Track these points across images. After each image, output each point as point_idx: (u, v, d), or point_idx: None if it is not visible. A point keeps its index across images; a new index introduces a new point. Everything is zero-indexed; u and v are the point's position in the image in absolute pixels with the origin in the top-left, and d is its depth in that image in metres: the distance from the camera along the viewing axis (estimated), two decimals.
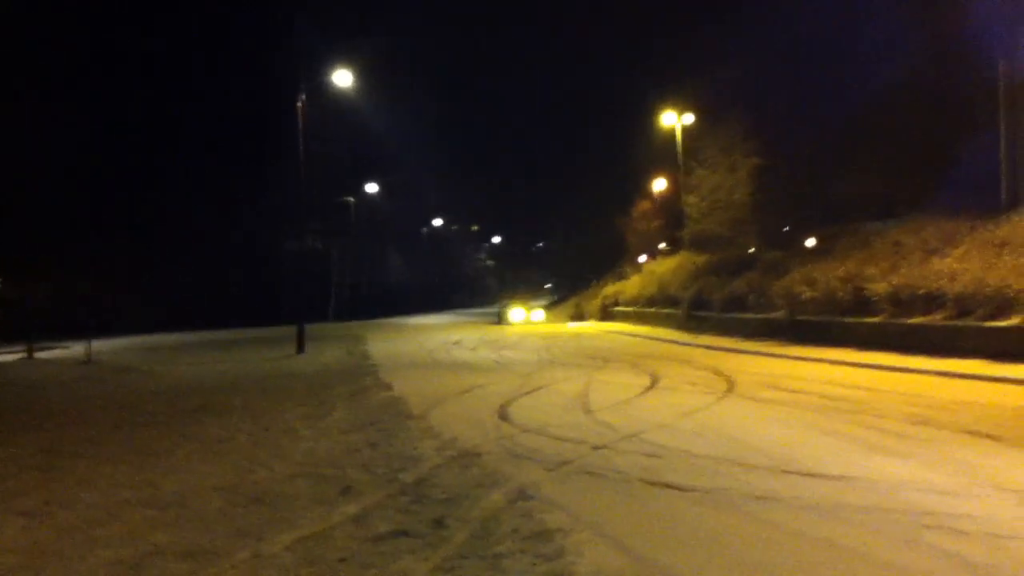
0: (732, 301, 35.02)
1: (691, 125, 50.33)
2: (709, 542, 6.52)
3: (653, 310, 45.46)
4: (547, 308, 73.96)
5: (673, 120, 50.44)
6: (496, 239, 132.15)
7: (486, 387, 17.89)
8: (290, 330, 32.20)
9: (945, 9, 34.92)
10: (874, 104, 41.67)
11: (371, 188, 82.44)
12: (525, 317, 53.77)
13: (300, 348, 30.65)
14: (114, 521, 7.79)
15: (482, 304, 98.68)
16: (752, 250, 45.74)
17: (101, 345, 35.70)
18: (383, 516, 7.48)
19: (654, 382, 18.01)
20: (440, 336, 41.75)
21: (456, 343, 35.26)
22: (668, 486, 8.35)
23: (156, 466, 10.31)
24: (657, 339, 33.64)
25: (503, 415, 13.60)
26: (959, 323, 21.46)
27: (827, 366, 20.97)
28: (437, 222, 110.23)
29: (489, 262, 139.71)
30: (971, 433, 10.86)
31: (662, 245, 62.99)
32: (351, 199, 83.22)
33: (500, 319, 54.28)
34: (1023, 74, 32.63)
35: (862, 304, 25.53)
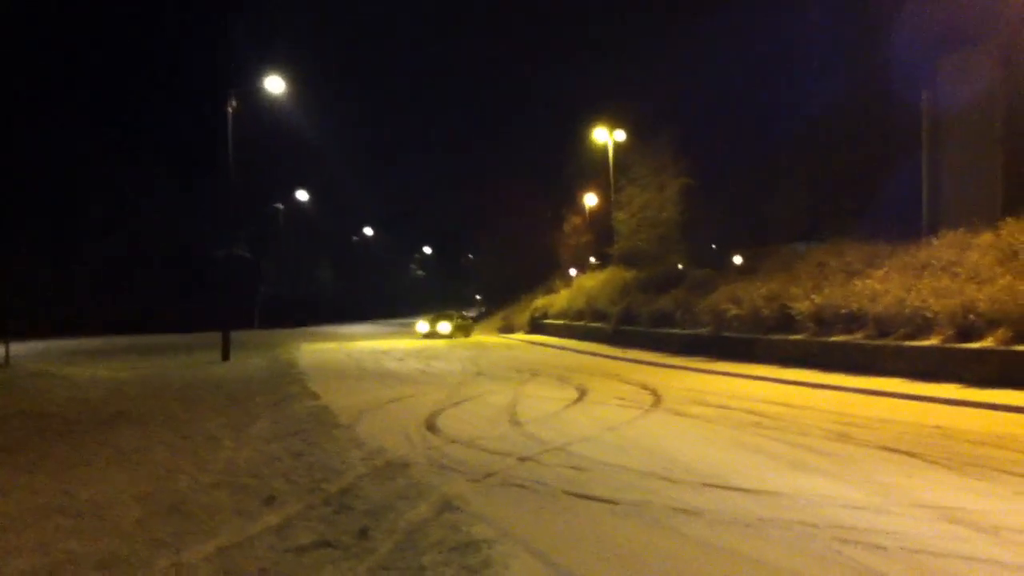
0: (660, 317, 35.33)
1: (623, 143, 50.69)
2: (632, 557, 6.53)
3: (582, 324, 45.68)
4: (476, 320, 73.93)
5: (605, 137, 50.77)
6: (427, 250, 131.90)
7: (414, 398, 17.79)
8: (216, 337, 31.70)
9: (872, 40, 35.75)
10: (802, 129, 42.55)
11: (301, 196, 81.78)
12: (450, 330, 51.42)
13: (225, 355, 30.19)
14: (28, 530, 7.57)
15: (412, 315, 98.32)
16: (680, 267, 46.22)
17: (19, 348, 34.82)
18: (306, 527, 7.38)
19: (581, 395, 18.07)
20: (369, 346, 41.52)
21: (385, 353, 35.08)
22: (593, 499, 8.36)
23: (73, 475, 10.05)
24: (585, 353, 33.79)
25: (430, 426, 13.53)
26: (880, 342, 21.90)
27: (751, 382, 21.24)
28: (367, 231, 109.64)
29: (420, 272, 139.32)
30: (890, 450, 11.07)
31: (592, 260, 63.36)
32: (280, 206, 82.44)
33: (428, 331, 51.54)
34: (944, 103, 33.57)
35: (786, 322, 25.94)
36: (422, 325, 52.29)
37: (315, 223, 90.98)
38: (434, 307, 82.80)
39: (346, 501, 8.27)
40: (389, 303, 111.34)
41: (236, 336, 33.50)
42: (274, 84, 32.87)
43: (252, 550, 6.75)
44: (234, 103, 32.17)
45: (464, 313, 62.57)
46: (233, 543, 6.92)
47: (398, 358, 31.85)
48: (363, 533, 7.07)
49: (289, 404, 16.71)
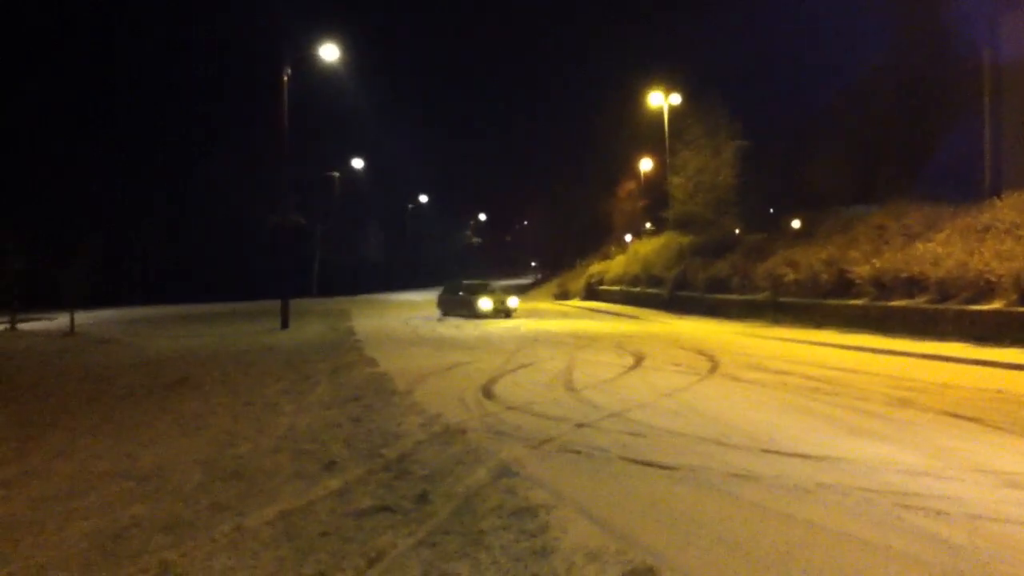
0: (716, 282, 35.13)
1: (677, 106, 50.22)
2: (689, 521, 6.53)
3: (638, 290, 45.57)
4: (531, 287, 73.97)
5: (660, 101, 50.32)
6: (481, 217, 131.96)
7: (471, 364, 17.88)
8: (273, 305, 32.05)
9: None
10: (858, 89, 41.76)
11: (356, 164, 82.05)
12: (492, 306, 36.32)
13: (284, 323, 30.55)
14: (92, 493, 7.76)
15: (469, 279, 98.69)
16: (736, 232, 45.84)
17: (85, 317, 35.55)
18: (365, 491, 7.46)
19: (638, 361, 18.03)
20: (424, 313, 41.73)
21: (440, 319, 35.27)
22: (650, 464, 8.36)
23: (135, 439, 10.27)
24: (641, 319, 33.66)
25: (487, 392, 13.60)
26: (941, 306, 21.61)
27: (809, 347, 21.05)
28: (422, 199, 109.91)
29: (475, 240, 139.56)
30: (952, 415, 10.93)
31: (647, 225, 63.03)
32: (336, 174, 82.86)
33: (465, 309, 37.21)
34: (1006, 60, 32.71)
35: (845, 287, 25.68)
36: (485, 302, 36.55)
37: (370, 191, 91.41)
38: (487, 274, 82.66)
39: (405, 466, 8.35)
40: (444, 270, 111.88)
41: (294, 304, 33.85)
42: (329, 52, 32.90)
43: (313, 514, 6.84)
44: (289, 71, 32.30)
45: (504, 289, 50.08)
46: (294, 507, 7.03)
47: (454, 325, 31.99)
48: (422, 498, 7.14)
49: (347, 371, 16.89)
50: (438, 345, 23.16)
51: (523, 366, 17.49)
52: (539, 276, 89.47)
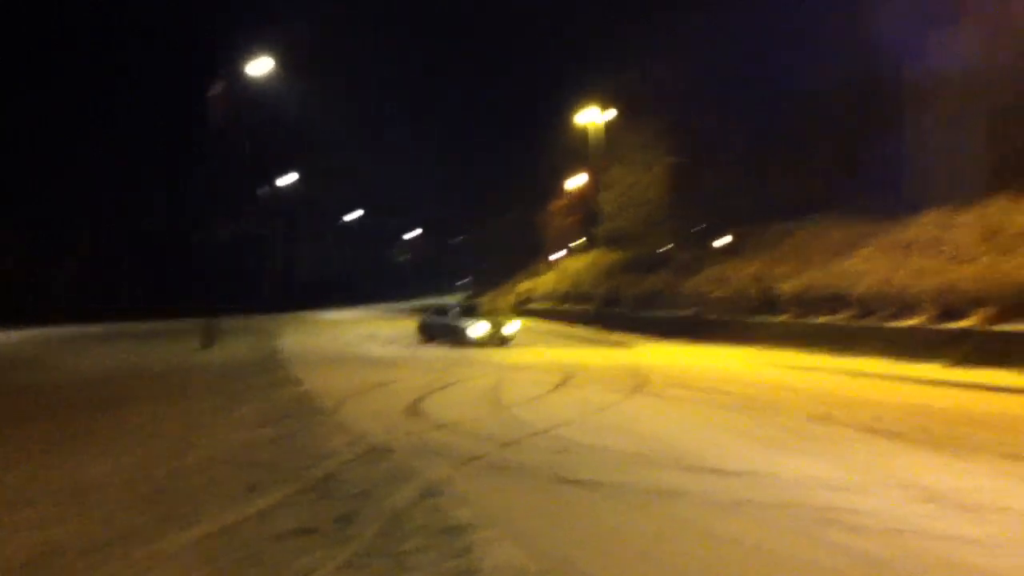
0: (645, 299, 35.44)
1: (609, 122, 50.60)
2: (616, 539, 6.56)
3: (567, 307, 45.77)
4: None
5: (592, 117, 50.65)
6: (415, 232, 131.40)
7: (399, 382, 17.76)
8: (202, 323, 31.52)
9: (854, 14, 35.69)
10: (786, 108, 42.45)
11: (289, 179, 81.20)
12: (489, 332, 29.11)
13: (210, 341, 30.06)
14: (6, 515, 7.54)
15: (401, 298, 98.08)
16: (665, 248, 46.24)
17: (4, 337, 34.73)
18: (288, 513, 7.36)
19: (565, 379, 18.08)
20: (355, 330, 41.42)
21: (371, 337, 35.06)
22: (576, 482, 8.38)
23: (53, 460, 10.01)
24: (567, 336, 33.80)
25: (415, 411, 13.52)
26: (863, 323, 22.03)
27: (735, 364, 21.30)
28: (357, 214, 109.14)
29: (405, 256, 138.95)
30: (873, 431, 11.13)
31: (577, 242, 63.30)
32: (268, 189, 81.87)
33: (452, 336, 29.73)
34: (930, 79, 33.53)
35: (770, 303, 26.08)
36: (476, 328, 29.28)
37: (304, 206, 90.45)
38: (424, 290, 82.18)
39: (329, 487, 8.26)
40: (375, 287, 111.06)
41: (221, 323, 33.34)
42: (261, 66, 32.56)
43: (234, 537, 6.72)
44: (220, 86, 31.95)
45: (502, 312, 40.28)
46: (215, 530, 6.90)
47: (383, 342, 31.80)
48: (346, 519, 7.07)
49: (272, 390, 16.65)
50: (367, 363, 23.00)
51: (452, 383, 17.44)
52: (470, 293, 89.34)
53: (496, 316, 32.18)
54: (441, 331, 30.83)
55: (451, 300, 38.58)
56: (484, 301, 53.74)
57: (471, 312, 32.80)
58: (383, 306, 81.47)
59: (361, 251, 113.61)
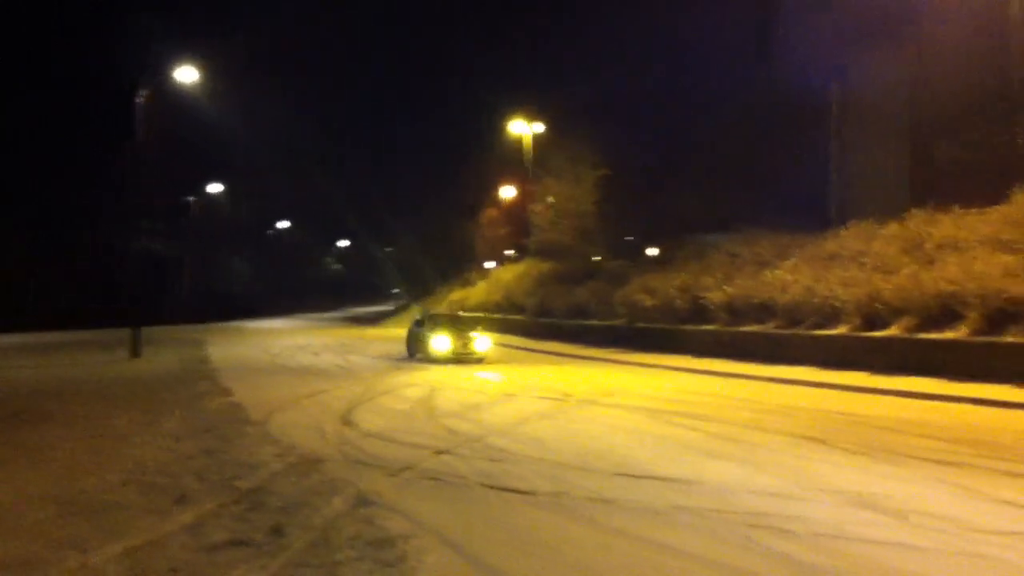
0: (576, 309, 35.59)
1: (541, 135, 50.81)
2: (549, 547, 6.57)
3: (499, 316, 45.78)
4: (393, 314, 73.59)
5: (523, 129, 50.81)
6: (344, 243, 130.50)
7: (330, 392, 17.62)
8: (127, 333, 30.96)
9: (782, 34, 36.52)
10: (713, 125, 43.19)
11: (215, 188, 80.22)
12: (452, 348, 25.80)
13: (136, 352, 29.53)
14: None
15: (330, 309, 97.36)
16: (596, 259, 46.56)
17: None
18: (218, 525, 7.24)
19: (498, 388, 18.12)
20: (284, 340, 41.02)
21: (301, 348, 34.70)
22: (509, 490, 8.39)
23: None
24: (502, 346, 33.81)
25: (346, 421, 13.42)
26: (789, 332, 22.39)
27: (665, 372, 21.52)
28: (284, 224, 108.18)
29: (336, 266, 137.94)
30: (801, 437, 11.33)
31: (509, 252, 63.44)
32: (193, 199, 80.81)
33: (422, 349, 27.17)
34: (854, 97, 34.34)
35: (700, 313, 26.36)
36: (439, 341, 26.20)
37: (231, 217, 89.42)
38: (356, 300, 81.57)
39: (259, 498, 8.15)
40: (306, 297, 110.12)
41: (149, 332, 32.78)
42: (188, 74, 32.13)
43: (162, 550, 6.60)
44: (144, 93, 31.44)
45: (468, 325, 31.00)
46: (143, 543, 6.76)
47: (314, 352, 31.54)
48: (276, 530, 6.98)
49: (200, 401, 16.39)
50: (297, 373, 22.79)
51: (383, 393, 17.37)
52: (402, 303, 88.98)
53: (462, 328, 27.77)
54: (416, 343, 27.96)
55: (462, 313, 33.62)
56: (452, 310, 52.64)
57: (439, 324, 28.10)
58: (314, 316, 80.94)
59: (291, 261, 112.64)
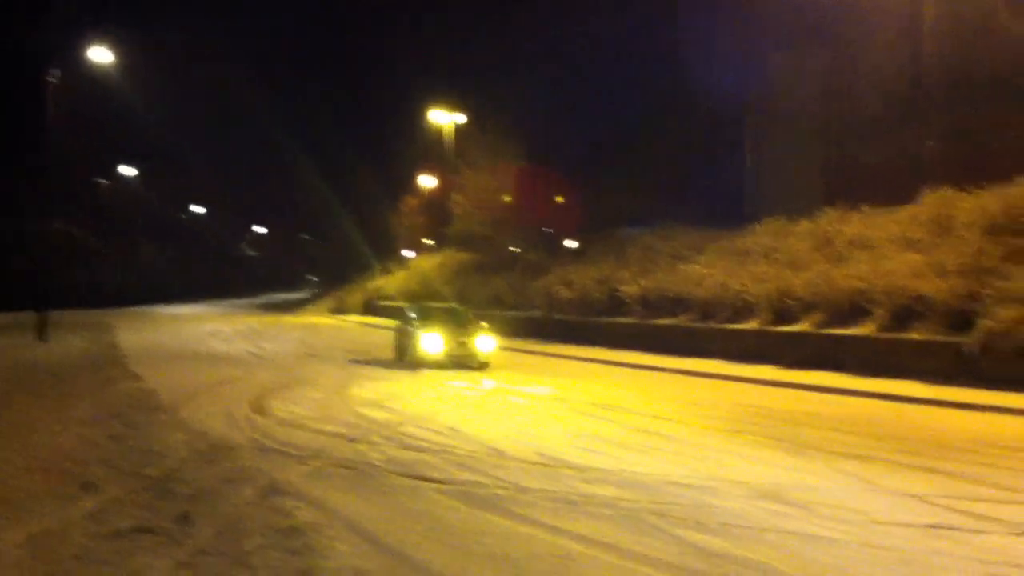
0: (494, 299, 35.65)
1: (462, 126, 50.68)
2: (463, 536, 6.57)
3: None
4: (308, 302, 72.90)
5: (444, 119, 50.64)
6: (261, 229, 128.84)
7: (243, 380, 17.39)
8: (32, 317, 30.13)
9: (700, 39, 37.22)
10: (632, 123, 43.74)
11: (128, 171, 78.53)
12: (446, 350, 20.82)
13: (43, 336, 28.78)
14: None
15: (245, 295, 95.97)
16: (515, 250, 46.66)
17: None
18: (125, 512, 7.11)
19: (415, 376, 18.10)
20: (198, 326, 40.33)
21: (213, 334, 34.17)
22: (423, 479, 8.39)
23: None
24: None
25: (259, 408, 13.26)
26: (703, 325, 22.75)
27: (581, 363, 21.68)
28: (199, 209, 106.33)
29: (252, 252, 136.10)
30: (714, 430, 11.55)
31: (428, 242, 63.24)
32: (105, 181, 78.97)
33: (401, 349, 22.92)
34: (769, 99, 35.03)
35: (616, 305, 26.63)
36: (430, 341, 21.00)
37: (144, 200, 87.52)
38: (273, 287, 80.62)
39: (167, 486, 8.02)
40: (221, 283, 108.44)
41: (58, 317, 31.98)
42: (99, 55, 31.41)
43: (67, 536, 6.46)
44: (56, 74, 30.66)
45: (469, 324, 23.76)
46: (47, 529, 6.62)
47: (227, 339, 31.10)
48: (184, 518, 6.87)
49: (110, 387, 16.02)
50: (209, 360, 22.43)
51: (298, 381, 17.20)
52: (317, 291, 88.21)
53: (460, 324, 22.35)
54: (405, 343, 22.71)
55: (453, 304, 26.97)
56: (368, 298, 52.21)
57: (429, 319, 22.61)
58: (229, 302, 79.74)
59: (206, 246, 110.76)
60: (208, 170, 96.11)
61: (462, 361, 20.65)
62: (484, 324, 22.27)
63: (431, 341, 20.79)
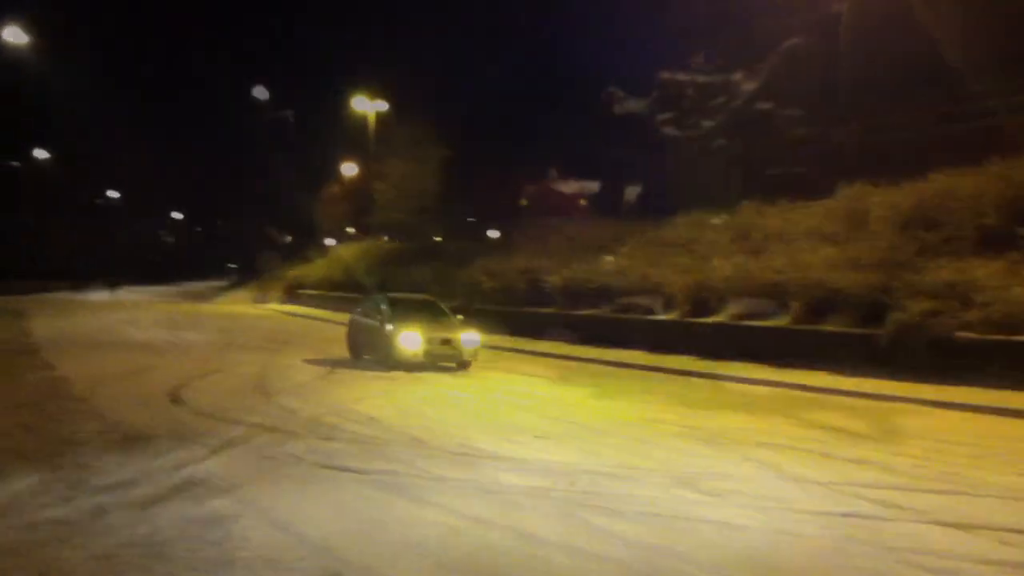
0: (417, 288, 35.44)
1: (383, 114, 50.36)
2: (379, 526, 6.59)
3: (338, 294, 45.32)
4: (228, 289, 71.94)
5: (366, 106, 50.25)
6: (178, 215, 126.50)
7: (160, 369, 17.10)
8: None
9: (618, 30, 37.84)
10: (562, 112, 43.96)
11: (41, 154, 76.55)
12: (421, 347, 17.92)
13: None
14: None
15: (166, 282, 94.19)
16: (438, 239, 46.67)
17: None
18: (37, 503, 6.98)
19: (333, 367, 18.00)
20: (114, 314, 39.53)
21: (130, 322, 33.52)
22: (341, 469, 8.38)
23: None
24: (340, 324, 33.49)
25: (175, 398, 13.08)
26: (624, 316, 22.98)
27: (503, 353, 21.75)
28: (114, 194, 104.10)
29: (170, 239, 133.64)
30: (631, 421, 11.69)
31: (350, 230, 62.85)
32: (17, 164, 76.92)
33: (376, 350, 19.15)
34: (684, 94, 35.56)
35: (539, 295, 26.73)
36: (408, 338, 18.01)
37: (58, 184, 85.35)
38: (190, 275, 79.40)
39: (81, 476, 7.89)
40: (139, 269, 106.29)
41: None
42: (15, 35, 30.54)
43: None
44: None
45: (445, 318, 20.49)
46: None
47: (145, 327, 30.54)
48: (98, 509, 6.78)
49: (22, 375, 15.67)
50: (124, 348, 21.96)
51: (216, 371, 17.00)
52: (237, 279, 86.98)
53: (438, 319, 19.65)
54: (368, 340, 19.87)
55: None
56: (289, 286, 51.34)
57: (397, 311, 19.45)
58: (147, 289, 78.27)
59: (123, 231, 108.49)
60: (126, 155, 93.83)
61: (442, 360, 18.31)
62: (461, 317, 20.16)
63: (409, 339, 17.92)
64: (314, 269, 54.96)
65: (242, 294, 65.21)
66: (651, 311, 22.40)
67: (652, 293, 22.62)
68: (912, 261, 17.56)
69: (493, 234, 45.45)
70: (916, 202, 19.45)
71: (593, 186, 48.43)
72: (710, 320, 20.64)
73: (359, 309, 21.40)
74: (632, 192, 40.61)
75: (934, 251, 17.75)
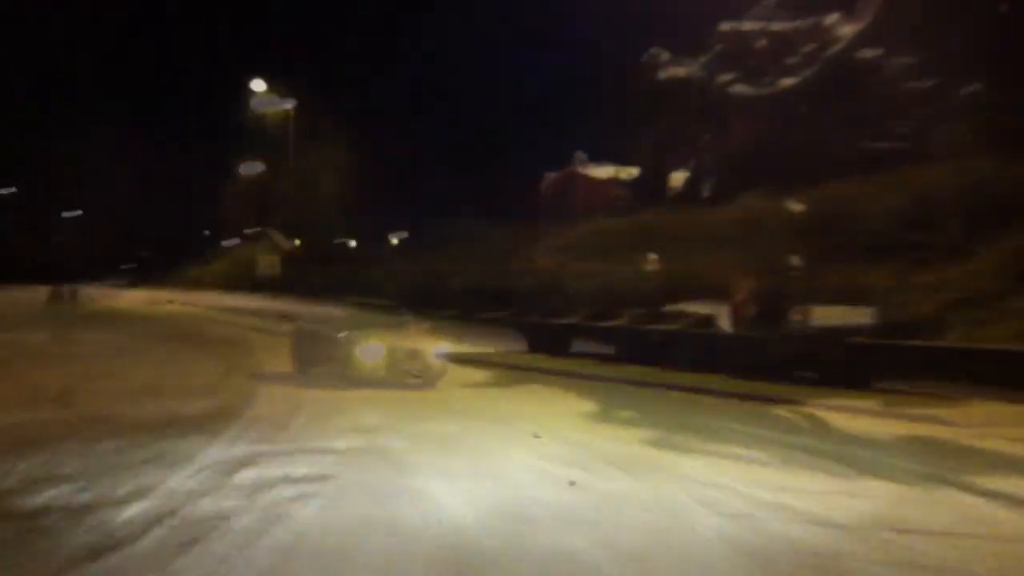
0: (320, 289, 35.25)
1: (290, 112, 49.57)
2: None
3: (240, 294, 44.66)
4: (125, 288, 70.04)
5: (271, 104, 49.43)
6: (76, 213, 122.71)
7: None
8: None
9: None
10: (465, 119, 44.02)
11: None
12: (391, 362, 15.79)
13: None
14: None
15: (60, 281, 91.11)
16: (342, 241, 46.32)
17: None
18: None
19: (229, 368, 17.65)
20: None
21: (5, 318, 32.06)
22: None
23: None
24: (237, 326, 32.84)
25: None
26: (527, 320, 23.05)
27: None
28: (4, 191, 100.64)
29: (60, 238, 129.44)
30: (520, 428, 11.71)
31: (253, 230, 61.96)
32: None
33: (305, 359, 16.85)
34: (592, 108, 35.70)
35: (442, 297, 26.69)
36: (372, 350, 15.77)
37: None
38: (84, 276, 77.12)
39: None
40: (31, 269, 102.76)
41: None
42: None
43: None
44: None
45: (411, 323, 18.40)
46: None
47: (29, 331, 29.27)
48: None
49: None
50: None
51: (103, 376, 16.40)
52: (132, 279, 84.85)
53: (403, 328, 17.53)
54: (311, 352, 16.96)
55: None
56: (189, 288, 49.23)
57: (355, 319, 18.00)
58: (41, 288, 75.81)
59: (10, 230, 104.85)
60: (20, 150, 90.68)
61: (410, 374, 15.97)
62: (428, 324, 18.06)
63: (369, 351, 15.82)
64: (213, 270, 54.02)
65: (138, 295, 63.65)
66: (555, 315, 22.14)
67: (556, 296, 22.65)
68: (807, 265, 17.91)
69: (400, 235, 45.13)
70: (812, 209, 19.76)
71: (631, 171, 42.73)
72: (610, 324, 20.67)
73: (315, 318, 19.27)
74: (679, 177, 35.64)
75: (828, 256, 18.06)
